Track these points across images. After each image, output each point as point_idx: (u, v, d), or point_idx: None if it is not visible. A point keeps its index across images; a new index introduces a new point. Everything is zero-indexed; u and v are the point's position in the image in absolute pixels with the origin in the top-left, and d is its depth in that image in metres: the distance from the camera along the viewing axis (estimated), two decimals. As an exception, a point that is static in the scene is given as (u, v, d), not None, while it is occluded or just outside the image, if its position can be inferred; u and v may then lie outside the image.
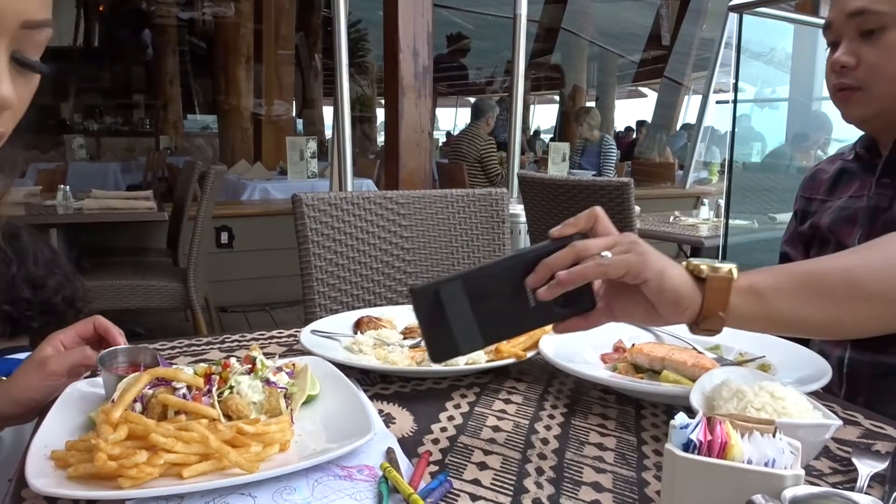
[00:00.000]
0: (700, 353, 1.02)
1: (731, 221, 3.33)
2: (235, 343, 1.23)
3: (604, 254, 0.76)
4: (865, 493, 0.65)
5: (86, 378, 0.96)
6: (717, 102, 6.64)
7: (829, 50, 1.16)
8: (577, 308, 0.81)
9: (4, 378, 0.99)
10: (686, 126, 10.14)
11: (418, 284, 0.80)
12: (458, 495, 0.71)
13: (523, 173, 2.71)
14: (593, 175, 5.59)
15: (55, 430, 0.79)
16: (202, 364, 0.87)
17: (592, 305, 0.82)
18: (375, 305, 1.66)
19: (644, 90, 15.28)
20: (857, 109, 1.14)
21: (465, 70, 14.23)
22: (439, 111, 17.37)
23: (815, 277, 0.80)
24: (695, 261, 0.80)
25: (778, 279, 0.80)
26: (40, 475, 0.68)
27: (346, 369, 0.99)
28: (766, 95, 4.74)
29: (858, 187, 1.20)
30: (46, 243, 1.51)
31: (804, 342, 1.11)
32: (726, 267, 0.78)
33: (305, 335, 1.17)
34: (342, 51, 3.13)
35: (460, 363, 1.02)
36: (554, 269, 0.77)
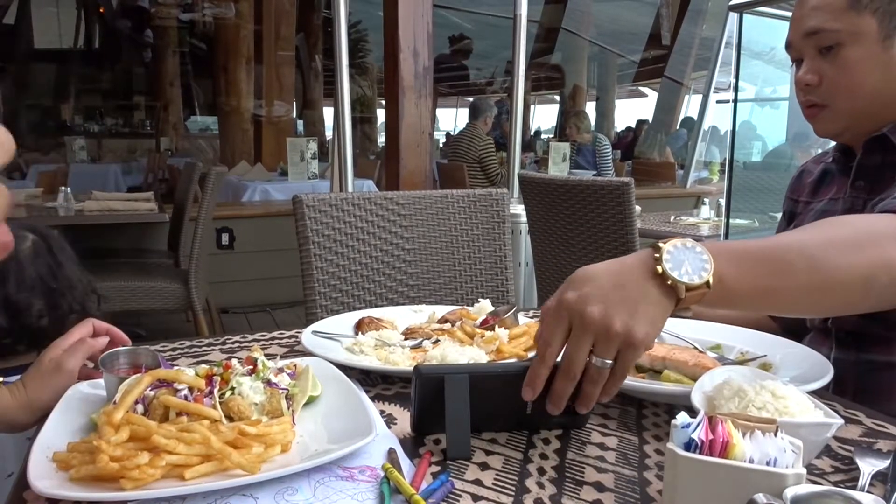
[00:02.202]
0: (701, 352, 1.02)
1: (731, 221, 3.34)
2: (236, 344, 1.23)
3: (605, 363, 0.73)
4: (867, 492, 0.65)
5: (87, 380, 0.96)
6: (718, 102, 6.64)
7: (793, 67, 1.18)
8: (572, 423, 0.83)
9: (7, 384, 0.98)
10: (686, 121, 10.08)
11: (425, 367, 0.83)
12: (460, 496, 0.71)
13: (524, 173, 2.70)
14: (593, 174, 5.59)
15: (57, 431, 0.79)
16: (203, 365, 0.87)
17: (584, 424, 0.87)
18: (376, 306, 1.66)
19: (644, 90, 15.27)
20: (825, 126, 1.16)
21: (466, 70, 14.22)
22: (440, 111, 17.37)
23: (778, 265, 0.79)
24: (670, 271, 0.74)
25: (741, 270, 0.77)
26: (42, 477, 0.68)
27: (348, 370, 0.99)
28: (767, 95, 4.74)
29: (836, 190, 1.22)
30: (46, 253, 1.35)
31: (797, 341, 1.12)
32: (704, 279, 0.74)
33: (306, 336, 1.17)
34: (342, 51, 3.13)
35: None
36: (565, 396, 0.76)
